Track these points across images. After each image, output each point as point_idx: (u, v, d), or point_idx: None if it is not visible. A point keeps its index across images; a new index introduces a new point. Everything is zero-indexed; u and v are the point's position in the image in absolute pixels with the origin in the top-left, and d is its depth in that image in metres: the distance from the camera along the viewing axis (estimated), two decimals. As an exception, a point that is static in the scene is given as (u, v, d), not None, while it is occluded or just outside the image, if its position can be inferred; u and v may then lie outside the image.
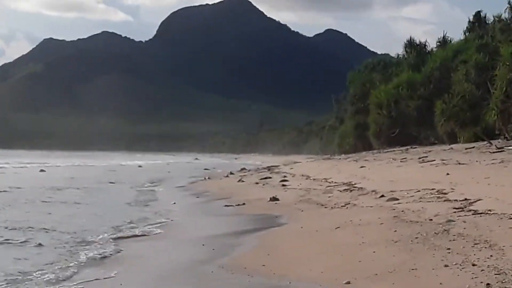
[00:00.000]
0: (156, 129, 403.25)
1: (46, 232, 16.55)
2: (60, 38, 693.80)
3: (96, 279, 11.04)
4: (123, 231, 17.02)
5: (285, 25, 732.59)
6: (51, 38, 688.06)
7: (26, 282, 10.73)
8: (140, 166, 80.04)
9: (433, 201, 17.17)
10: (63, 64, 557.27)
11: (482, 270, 9.10)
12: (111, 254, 13.49)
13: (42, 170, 56.92)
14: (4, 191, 29.66)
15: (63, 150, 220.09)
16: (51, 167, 64.81)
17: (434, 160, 30.94)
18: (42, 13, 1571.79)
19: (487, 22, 58.22)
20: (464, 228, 12.39)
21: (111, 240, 15.43)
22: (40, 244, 14.49)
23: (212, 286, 10.24)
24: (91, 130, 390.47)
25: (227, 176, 46.46)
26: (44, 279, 10.93)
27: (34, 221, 18.40)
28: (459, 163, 27.16)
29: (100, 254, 13.40)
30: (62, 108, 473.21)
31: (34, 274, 11.26)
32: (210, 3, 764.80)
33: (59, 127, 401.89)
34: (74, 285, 10.63)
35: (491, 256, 9.86)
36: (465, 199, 16.44)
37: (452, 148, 39.94)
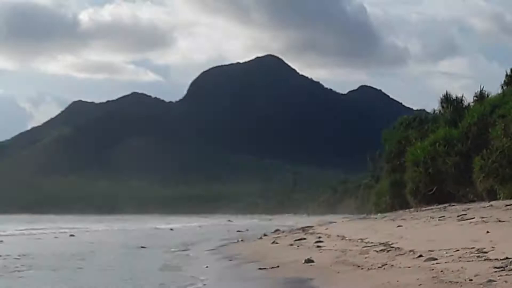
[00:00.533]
0: (188, 191, 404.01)
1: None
2: (89, 100, 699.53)
3: None
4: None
5: (317, 82, 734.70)
6: (80, 101, 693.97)
7: None
8: (171, 229, 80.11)
9: (473, 261, 17.01)
10: (93, 126, 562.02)
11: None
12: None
13: (71, 235, 57.16)
14: (31, 257, 29.75)
15: (93, 214, 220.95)
16: (81, 232, 65.01)
17: (473, 218, 30.70)
18: (71, 75, 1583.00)
19: (526, 75, 58.02)
20: (506, 288, 12.27)
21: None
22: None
23: None
24: (121, 193, 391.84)
25: (260, 238, 46.34)
26: None
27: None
28: (500, 221, 26.95)
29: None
30: (92, 171, 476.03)
31: None
32: (241, 61, 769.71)
33: (89, 190, 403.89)
34: None
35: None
36: (506, 257, 16.29)
37: (491, 205, 39.63)
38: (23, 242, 48.30)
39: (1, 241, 46.04)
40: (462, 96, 65.46)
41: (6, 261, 27.72)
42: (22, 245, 43.28)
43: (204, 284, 19.60)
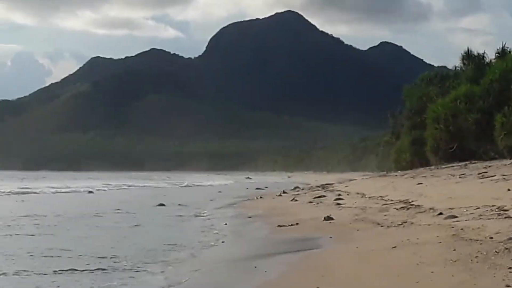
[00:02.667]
0: (206, 148, 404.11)
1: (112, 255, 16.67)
2: (108, 57, 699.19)
3: None
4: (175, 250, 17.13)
5: (338, 39, 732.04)
6: (98, 57, 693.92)
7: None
8: (189, 186, 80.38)
9: (493, 218, 16.98)
10: (111, 82, 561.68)
11: (545, 290, 9.00)
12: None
13: (90, 192, 57.53)
14: (58, 215, 29.93)
15: (111, 171, 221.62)
16: (100, 189, 65.26)
17: (495, 176, 30.60)
18: (90, 32, 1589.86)
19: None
20: (526, 246, 12.25)
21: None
22: (101, 269, 14.65)
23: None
24: (139, 150, 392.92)
25: (279, 195, 46.38)
26: None
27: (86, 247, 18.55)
28: (521, 178, 26.88)
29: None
30: (110, 127, 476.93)
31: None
32: (260, 17, 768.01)
33: (107, 147, 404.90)
34: None
35: (554, 275, 9.75)
36: (527, 215, 16.27)
37: (513, 163, 39.51)
38: (55, 199, 48.62)
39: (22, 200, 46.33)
40: (484, 52, 65.03)
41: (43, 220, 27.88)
42: (56, 203, 43.62)
43: (223, 242, 19.68)
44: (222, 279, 13.30)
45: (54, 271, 14.22)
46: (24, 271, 14.22)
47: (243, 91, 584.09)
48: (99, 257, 16.27)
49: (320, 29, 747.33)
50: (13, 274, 13.87)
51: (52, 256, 16.56)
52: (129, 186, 76.16)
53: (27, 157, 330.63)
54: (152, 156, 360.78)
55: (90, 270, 14.50)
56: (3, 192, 52.60)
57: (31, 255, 16.67)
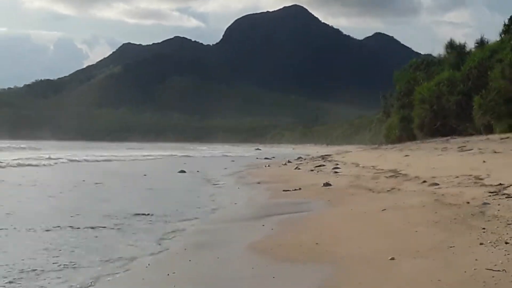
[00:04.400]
0: (223, 122, 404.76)
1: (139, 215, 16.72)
2: (137, 43, 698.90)
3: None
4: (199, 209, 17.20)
5: (337, 30, 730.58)
6: (129, 43, 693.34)
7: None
8: (210, 156, 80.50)
9: (470, 186, 16.98)
10: (140, 66, 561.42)
11: (514, 248, 9.01)
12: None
13: (134, 160, 57.80)
14: (98, 183, 30.06)
15: (140, 142, 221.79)
16: (132, 158, 65.51)
17: (472, 149, 30.61)
18: (122, 20, 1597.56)
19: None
20: (498, 210, 12.26)
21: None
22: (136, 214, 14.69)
23: (273, 262, 10.23)
24: (164, 124, 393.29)
25: (285, 164, 46.40)
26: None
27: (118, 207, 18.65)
28: (495, 152, 26.84)
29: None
30: (139, 105, 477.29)
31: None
32: (270, 10, 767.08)
33: (137, 122, 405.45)
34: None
35: (522, 235, 9.76)
36: (500, 184, 16.23)
37: (488, 139, 39.45)
38: (100, 166, 48.81)
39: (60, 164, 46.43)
40: (465, 43, 65.22)
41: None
42: (97, 169, 43.81)
43: (235, 203, 19.71)
44: (236, 234, 13.33)
45: (104, 215, 14.31)
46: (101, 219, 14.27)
47: (255, 74, 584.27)
48: (135, 213, 16.35)
49: (323, 21, 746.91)
50: (85, 228, 13.91)
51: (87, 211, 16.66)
52: (156, 155, 76.23)
53: (66, 130, 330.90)
54: (175, 130, 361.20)
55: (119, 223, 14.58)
56: (60, 159, 52.81)
57: (91, 208, 16.75)
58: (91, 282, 9.16)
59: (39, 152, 72.19)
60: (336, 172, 30.42)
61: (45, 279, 9.24)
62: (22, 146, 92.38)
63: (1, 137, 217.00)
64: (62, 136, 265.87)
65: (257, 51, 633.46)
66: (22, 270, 9.74)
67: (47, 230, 13.62)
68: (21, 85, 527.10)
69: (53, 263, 10.27)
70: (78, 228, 14.03)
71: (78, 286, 8.93)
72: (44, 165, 44.62)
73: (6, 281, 9.05)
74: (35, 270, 9.78)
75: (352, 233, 12.14)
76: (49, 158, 51.33)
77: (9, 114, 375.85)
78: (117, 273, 9.77)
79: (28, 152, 71.68)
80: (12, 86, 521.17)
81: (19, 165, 41.86)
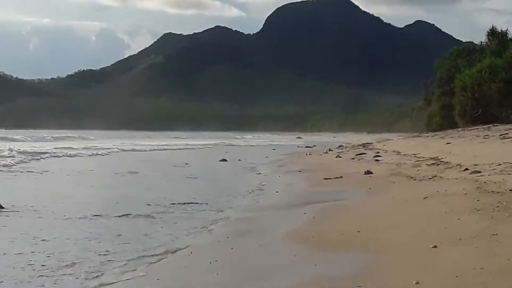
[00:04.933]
0: (263, 111, 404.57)
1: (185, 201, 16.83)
2: (179, 33, 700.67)
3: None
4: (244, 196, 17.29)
5: (378, 18, 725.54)
6: (170, 33, 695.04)
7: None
8: (252, 145, 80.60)
9: (513, 174, 16.83)
10: (181, 55, 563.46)
11: (558, 235, 8.94)
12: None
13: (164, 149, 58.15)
14: (139, 172, 30.24)
15: (180, 131, 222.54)
16: (175, 147, 65.92)
17: (514, 137, 30.29)
18: (164, 10, 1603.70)
19: None
20: (542, 198, 12.15)
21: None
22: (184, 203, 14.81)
23: (315, 250, 10.24)
24: (205, 114, 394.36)
25: (326, 152, 46.29)
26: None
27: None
28: (538, 139, 26.57)
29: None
30: (180, 94, 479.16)
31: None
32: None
33: (178, 111, 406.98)
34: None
35: None
36: (543, 171, 16.07)
37: (531, 126, 39.04)
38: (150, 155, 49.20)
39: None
40: (507, 30, 64.28)
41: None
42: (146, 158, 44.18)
43: (277, 192, 19.72)
44: (277, 221, 13.36)
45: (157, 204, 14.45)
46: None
47: (296, 63, 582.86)
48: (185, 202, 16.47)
49: (363, 9, 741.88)
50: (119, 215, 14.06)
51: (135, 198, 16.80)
52: (197, 144, 76.51)
53: (108, 119, 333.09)
54: (216, 119, 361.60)
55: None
56: (111, 148, 54.01)
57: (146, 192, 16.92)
58: (133, 270, 9.24)
59: (89, 142, 73.33)
60: (377, 160, 30.28)
61: (85, 267, 9.32)
62: (68, 135, 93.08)
63: (46, 126, 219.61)
64: (104, 125, 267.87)
65: (297, 39, 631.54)
66: (62, 259, 9.86)
67: (88, 219, 13.81)
68: (64, 76, 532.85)
69: (90, 251, 10.38)
70: (119, 216, 14.17)
71: (119, 273, 9.00)
72: (99, 154, 45.81)
73: (47, 269, 9.16)
74: (76, 258, 9.89)
75: (393, 221, 12.10)
76: (102, 148, 52.72)
77: (52, 104, 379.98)
78: (160, 260, 9.85)
79: (79, 142, 72.59)
80: (55, 77, 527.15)
81: (76, 155, 42.96)
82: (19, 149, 41.13)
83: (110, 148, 53.52)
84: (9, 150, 39.71)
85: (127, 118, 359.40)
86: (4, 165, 29.08)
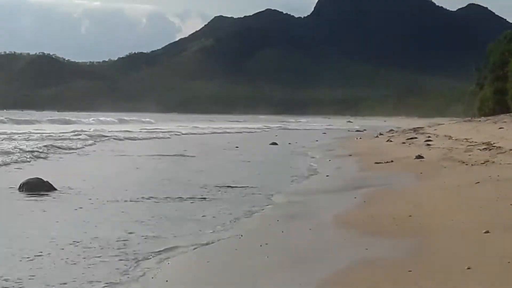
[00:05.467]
0: (313, 95, 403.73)
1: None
2: (229, 16, 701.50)
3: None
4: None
5: (430, 0, 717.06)
6: (221, 16, 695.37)
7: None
8: (297, 128, 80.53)
9: None
10: (231, 38, 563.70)
11: None
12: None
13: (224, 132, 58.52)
14: (192, 156, 30.47)
15: (230, 114, 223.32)
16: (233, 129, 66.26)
17: None
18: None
19: None
20: None
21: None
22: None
23: (366, 234, 10.20)
24: (256, 97, 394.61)
25: (376, 136, 46.12)
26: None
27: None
28: None
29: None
30: (230, 78, 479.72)
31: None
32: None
33: (228, 94, 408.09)
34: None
35: None
36: None
37: None
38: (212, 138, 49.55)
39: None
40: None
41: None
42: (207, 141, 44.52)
43: (327, 175, 19.69)
44: (327, 205, 13.35)
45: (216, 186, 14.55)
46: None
47: (346, 46, 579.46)
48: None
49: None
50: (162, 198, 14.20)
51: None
52: (248, 127, 76.72)
53: (159, 102, 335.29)
54: (266, 102, 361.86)
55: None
56: (171, 132, 55.18)
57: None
58: (184, 253, 9.31)
59: (149, 125, 74.36)
60: (428, 144, 30.06)
61: (131, 249, 9.39)
62: (132, 118, 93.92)
63: (98, 109, 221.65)
64: (155, 108, 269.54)
65: (348, 23, 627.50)
66: (119, 238, 9.97)
67: (140, 201, 13.96)
68: (115, 58, 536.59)
69: (138, 234, 10.47)
70: (170, 199, 14.30)
71: (168, 256, 9.04)
72: (161, 137, 46.74)
73: (94, 250, 9.27)
74: (125, 239, 10.00)
75: (445, 206, 12.00)
76: (162, 131, 54.37)
77: (103, 86, 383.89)
78: (210, 243, 9.89)
79: (140, 125, 73.65)
80: (106, 59, 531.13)
81: (137, 138, 43.98)
82: (85, 131, 42.55)
83: (170, 131, 54.39)
84: (73, 132, 41.20)
85: (178, 101, 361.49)
86: (69, 148, 29.82)
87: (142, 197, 14.31)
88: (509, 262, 7.64)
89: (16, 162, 21.96)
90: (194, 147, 34.86)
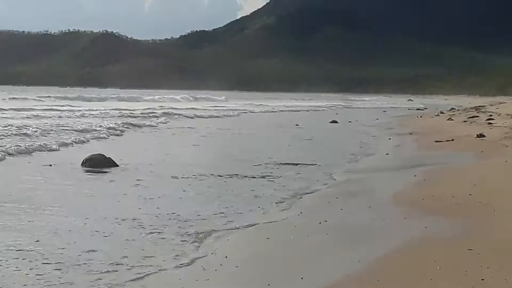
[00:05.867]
0: (374, 73, 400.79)
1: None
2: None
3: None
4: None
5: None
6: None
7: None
8: (361, 107, 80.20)
9: None
10: (293, 17, 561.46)
11: None
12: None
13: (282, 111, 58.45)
14: (252, 133, 30.62)
15: (292, 92, 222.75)
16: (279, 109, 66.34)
17: None
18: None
19: None
20: None
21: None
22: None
23: (425, 212, 10.13)
24: (317, 75, 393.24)
25: (437, 115, 45.66)
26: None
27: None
28: None
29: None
30: (291, 56, 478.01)
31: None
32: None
33: (289, 72, 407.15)
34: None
35: None
36: None
37: None
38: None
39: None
40: None
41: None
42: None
43: (387, 154, 19.57)
44: (387, 183, 13.30)
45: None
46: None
47: (407, 24, 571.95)
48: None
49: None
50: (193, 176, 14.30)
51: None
52: (309, 106, 76.70)
53: (220, 80, 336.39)
54: (327, 81, 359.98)
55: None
56: (239, 110, 55.86)
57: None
58: (240, 228, 9.38)
59: (220, 103, 74.97)
60: (490, 123, 29.64)
61: (185, 228, 9.46)
62: (191, 96, 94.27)
63: (160, 86, 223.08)
64: (217, 86, 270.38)
65: (409, 1, 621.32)
66: (178, 215, 10.07)
67: (198, 178, 14.07)
68: (177, 36, 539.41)
69: (192, 211, 10.55)
70: (228, 176, 14.39)
71: (223, 235, 9.05)
72: (231, 115, 47.47)
73: (151, 226, 9.38)
74: (179, 215, 10.10)
75: (507, 185, 11.86)
76: (231, 109, 55.00)
77: (166, 64, 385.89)
78: (270, 220, 9.91)
79: (209, 102, 74.26)
80: (168, 37, 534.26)
81: (208, 116, 44.34)
82: (156, 109, 43.69)
83: (239, 110, 54.89)
84: (146, 110, 42.09)
85: (239, 79, 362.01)
86: (144, 125, 30.75)
87: (204, 174, 14.43)
88: None
89: (94, 138, 22.84)
90: (261, 125, 35.09)
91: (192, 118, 40.87)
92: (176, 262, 7.60)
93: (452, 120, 36.42)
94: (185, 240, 8.54)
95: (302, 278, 6.88)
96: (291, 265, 7.51)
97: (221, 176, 14.28)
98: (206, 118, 42.15)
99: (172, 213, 10.11)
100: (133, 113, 39.51)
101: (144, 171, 14.85)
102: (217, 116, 44.70)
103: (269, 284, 6.72)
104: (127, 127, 28.12)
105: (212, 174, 14.41)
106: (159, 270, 7.30)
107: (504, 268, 6.82)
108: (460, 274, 6.72)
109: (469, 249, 7.54)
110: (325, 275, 7.00)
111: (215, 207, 10.69)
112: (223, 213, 10.28)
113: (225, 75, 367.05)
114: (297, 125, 34.51)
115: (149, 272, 7.21)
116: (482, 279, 6.45)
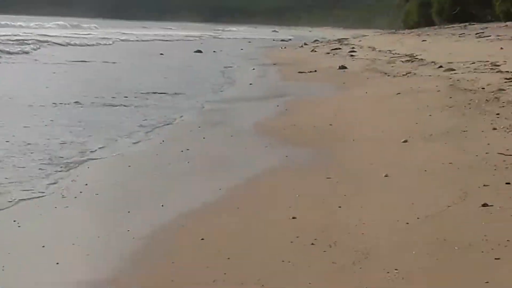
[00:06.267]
0: (238, 4, 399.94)
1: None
2: None
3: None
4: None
5: None
6: None
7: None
8: (226, 38, 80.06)
9: (486, 72, 16.88)
10: None
11: (527, 133, 9.04)
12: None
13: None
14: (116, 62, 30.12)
15: (159, 21, 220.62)
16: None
17: (490, 36, 30.30)
18: None
19: None
20: (513, 96, 12.22)
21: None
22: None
23: (286, 142, 10.27)
24: (183, 3, 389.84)
25: (301, 46, 46.03)
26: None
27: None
28: (513, 39, 26.60)
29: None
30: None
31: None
32: None
33: (155, 0, 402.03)
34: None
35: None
36: (516, 70, 16.12)
37: (507, 25, 39.01)
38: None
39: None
40: None
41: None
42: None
43: (250, 84, 19.68)
44: (250, 113, 13.43)
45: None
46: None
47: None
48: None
49: None
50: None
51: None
52: (172, 34, 75.91)
53: (87, 6, 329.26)
54: (190, 10, 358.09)
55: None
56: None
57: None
58: (108, 156, 9.25)
59: (92, 31, 72.52)
60: (352, 55, 30.20)
61: (45, 154, 9.27)
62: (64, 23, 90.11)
63: (25, 12, 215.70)
64: (84, 13, 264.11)
65: None
66: (42, 143, 9.83)
67: (60, 107, 13.77)
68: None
69: (52, 138, 10.34)
70: (86, 105, 14.11)
71: (81, 162, 8.92)
72: (104, 44, 45.64)
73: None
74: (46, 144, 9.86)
75: (366, 116, 12.17)
76: (105, 38, 52.25)
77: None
78: (133, 150, 9.80)
79: (79, 30, 71.64)
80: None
81: (81, 44, 42.79)
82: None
83: (112, 38, 53.11)
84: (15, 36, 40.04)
85: (106, 7, 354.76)
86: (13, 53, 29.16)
87: (65, 103, 14.07)
88: (425, 171, 7.80)
89: None
90: (127, 54, 34.53)
91: (65, 46, 39.63)
92: (34, 191, 7.42)
93: (315, 51, 36.85)
94: (42, 169, 8.30)
95: (162, 205, 6.88)
96: (152, 193, 7.51)
97: (82, 104, 13.97)
98: (81, 46, 41.02)
99: (29, 143, 9.79)
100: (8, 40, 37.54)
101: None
102: (93, 45, 43.52)
103: (129, 212, 6.70)
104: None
105: (75, 102, 14.08)
106: (18, 200, 7.11)
107: (359, 195, 7.02)
108: (318, 202, 6.87)
109: (327, 178, 7.70)
110: (185, 202, 7.02)
111: (75, 136, 10.43)
112: (86, 141, 10.05)
113: (92, 2, 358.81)
114: (161, 54, 34.20)
115: (7, 202, 7.02)
116: (339, 207, 6.60)
